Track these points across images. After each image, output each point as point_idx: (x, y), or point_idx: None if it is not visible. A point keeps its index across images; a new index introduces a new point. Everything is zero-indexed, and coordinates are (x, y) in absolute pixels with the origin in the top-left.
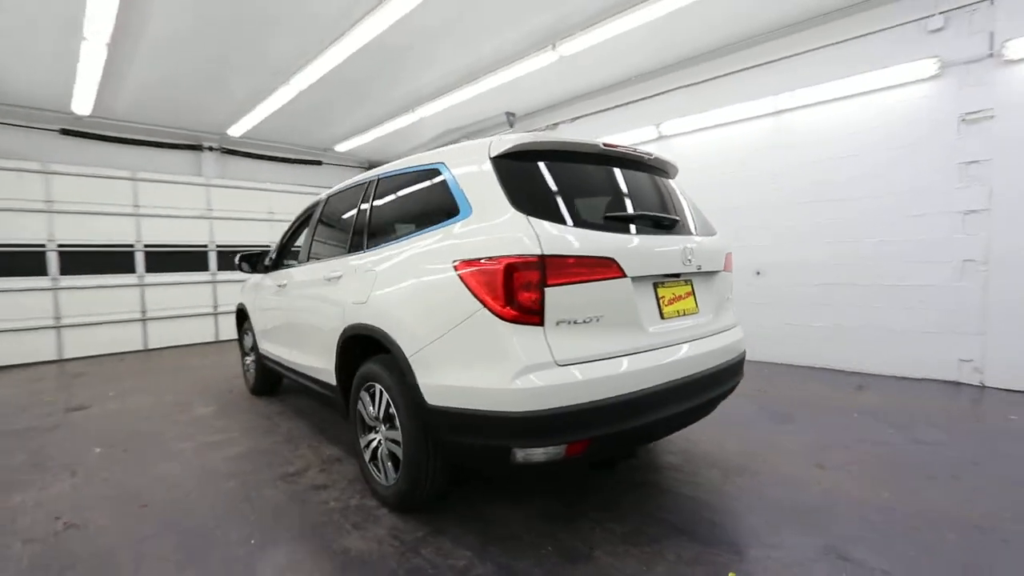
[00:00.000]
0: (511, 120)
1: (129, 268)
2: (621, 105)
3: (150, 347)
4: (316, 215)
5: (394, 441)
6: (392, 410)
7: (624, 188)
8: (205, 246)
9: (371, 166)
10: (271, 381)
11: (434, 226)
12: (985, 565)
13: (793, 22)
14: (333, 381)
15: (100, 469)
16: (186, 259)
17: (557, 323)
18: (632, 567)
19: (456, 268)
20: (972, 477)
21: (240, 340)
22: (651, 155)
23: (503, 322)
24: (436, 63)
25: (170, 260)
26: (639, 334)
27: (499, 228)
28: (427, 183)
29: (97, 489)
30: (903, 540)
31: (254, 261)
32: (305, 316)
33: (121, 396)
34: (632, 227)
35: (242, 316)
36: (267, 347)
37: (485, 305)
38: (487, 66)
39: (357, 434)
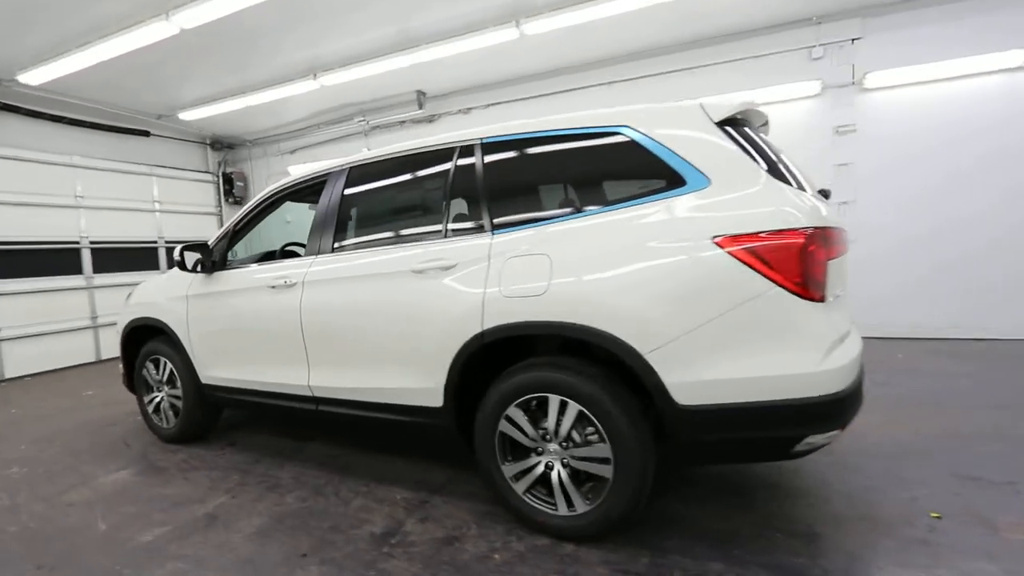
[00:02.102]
0: (421, 100)
1: None
2: (537, 96)
3: None
4: (334, 193)
5: (587, 459)
6: (589, 424)
7: (774, 155)
8: None
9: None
10: (207, 422)
11: (644, 198)
12: None
13: (713, 35)
14: (435, 403)
15: None
16: None
17: (829, 300)
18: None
19: (720, 244)
20: None
21: (131, 372)
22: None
23: (801, 300)
24: (347, 30)
25: None
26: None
27: (760, 198)
28: (596, 147)
29: None
30: None
31: (204, 256)
32: (362, 322)
33: None
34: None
35: (135, 337)
36: (225, 374)
37: (777, 283)
38: (411, 40)
39: (495, 463)
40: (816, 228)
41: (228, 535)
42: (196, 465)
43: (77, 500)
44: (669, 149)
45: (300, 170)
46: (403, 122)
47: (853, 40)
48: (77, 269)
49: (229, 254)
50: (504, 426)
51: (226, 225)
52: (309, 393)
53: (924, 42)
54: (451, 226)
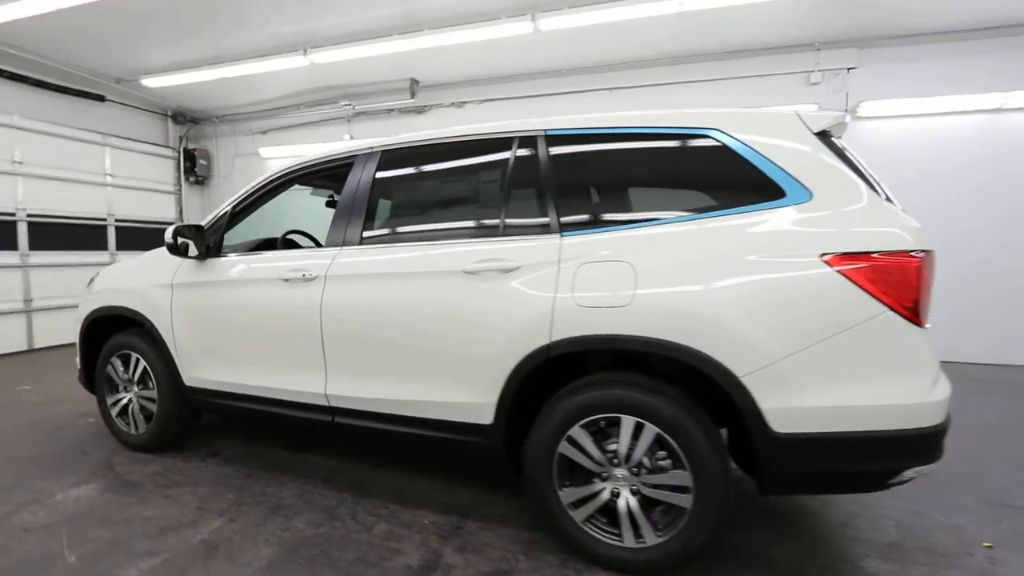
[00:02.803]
0: (414, 89)
1: None
2: (536, 96)
3: None
4: (364, 178)
5: (662, 487)
6: (661, 448)
7: (866, 171)
8: None
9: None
10: (185, 429)
11: (739, 208)
12: None
13: (718, 50)
14: (484, 420)
15: None
16: None
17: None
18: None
19: (830, 263)
20: None
21: (90, 371)
22: None
23: (911, 326)
24: (347, 7)
25: None
26: None
27: (868, 217)
28: (680, 148)
29: None
30: None
31: (197, 240)
32: (398, 326)
33: None
34: None
35: (97, 329)
36: (216, 376)
37: (889, 307)
38: (413, 24)
39: (552, 488)
40: (926, 251)
41: (235, 569)
42: (177, 480)
43: (33, 523)
44: (766, 157)
45: (271, 152)
46: (391, 110)
47: (849, 69)
48: (11, 244)
49: (225, 240)
50: (565, 448)
51: (223, 206)
52: (325, 402)
53: (914, 77)
54: (509, 222)
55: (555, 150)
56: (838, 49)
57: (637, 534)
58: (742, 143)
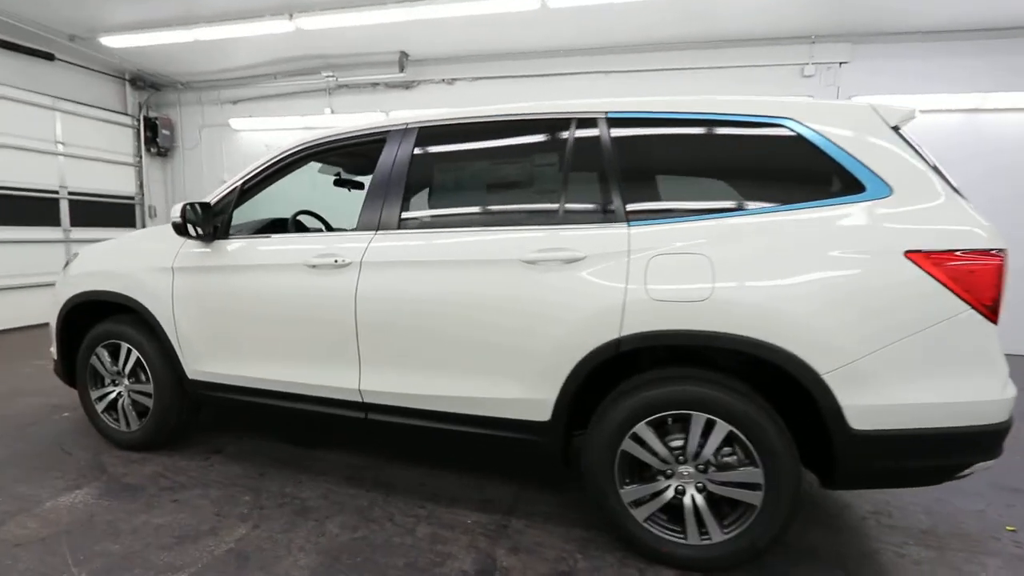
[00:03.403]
0: (403, 63)
1: None
2: (530, 76)
3: None
4: (399, 156)
5: (731, 484)
6: (728, 444)
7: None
8: None
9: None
10: (184, 425)
11: (817, 201)
12: None
13: (715, 38)
14: (540, 416)
15: None
16: None
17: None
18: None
19: (915, 260)
20: None
21: (70, 361)
22: None
23: (988, 324)
24: None
25: None
26: None
27: (949, 214)
28: (753, 137)
29: None
30: None
31: (204, 220)
32: (445, 318)
33: None
34: None
35: (77, 316)
36: (227, 369)
37: (970, 305)
38: None
39: (613, 487)
40: (1002, 249)
41: None
42: (181, 481)
43: (25, 537)
44: (844, 150)
45: (242, 124)
46: (376, 84)
47: (841, 63)
48: None
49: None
50: (629, 445)
51: (231, 181)
52: (357, 398)
53: (904, 74)
54: (569, 208)
55: (618, 133)
56: (832, 43)
57: (702, 531)
58: (819, 134)
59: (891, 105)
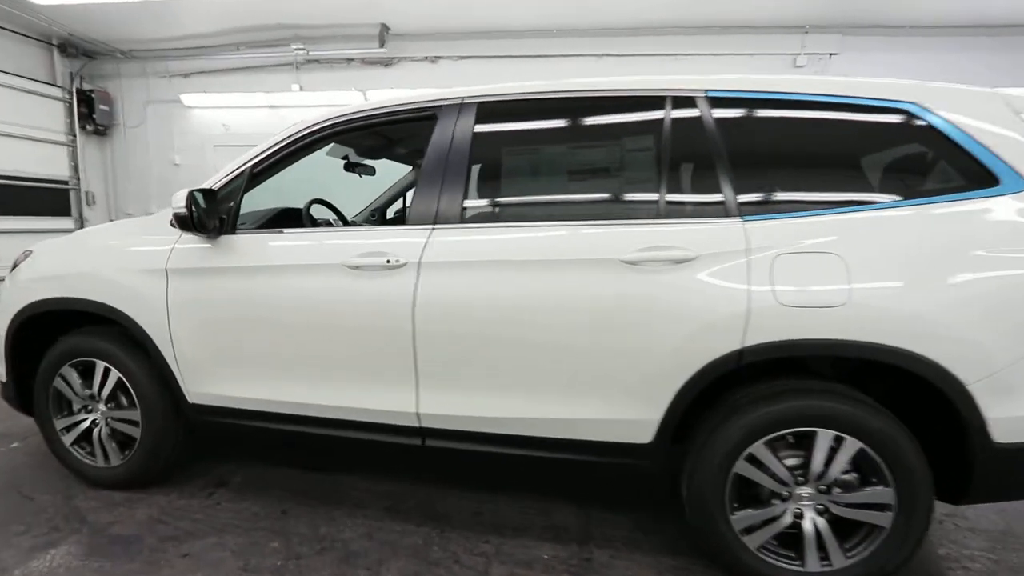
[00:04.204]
0: (383, 37)
1: None
2: (519, 56)
3: None
4: (457, 135)
5: (858, 505)
6: (850, 461)
7: None
8: None
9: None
10: (179, 456)
11: (950, 195)
12: None
13: (708, 24)
14: (641, 438)
15: None
16: None
17: None
18: None
19: None
20: None
21: (23, 384)
22: None
23: None
24: None
25: None
26: None
27: None
28: (875, 123)
29: None
30: None
31: (207, 211)
32: (529, 328)
33: None
34: None
35: (30, 330)
36: (243, 391)
37: None
38: None
39: (723, 513)
40: None
41: None
42: (187, 528)
43: None
44: (975, 139)
45: (196, 101)
46: (351, 60)
47: (831, 55)
48: None
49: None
50: (744, 468)
51: (237, 163)
52: (413, 423)
53: (891, 68)
54: (670, 199)
55: (721, 114)
56: (824, 34)
57: (822, 557)
58: (947, 122)
59: (1014, 93)
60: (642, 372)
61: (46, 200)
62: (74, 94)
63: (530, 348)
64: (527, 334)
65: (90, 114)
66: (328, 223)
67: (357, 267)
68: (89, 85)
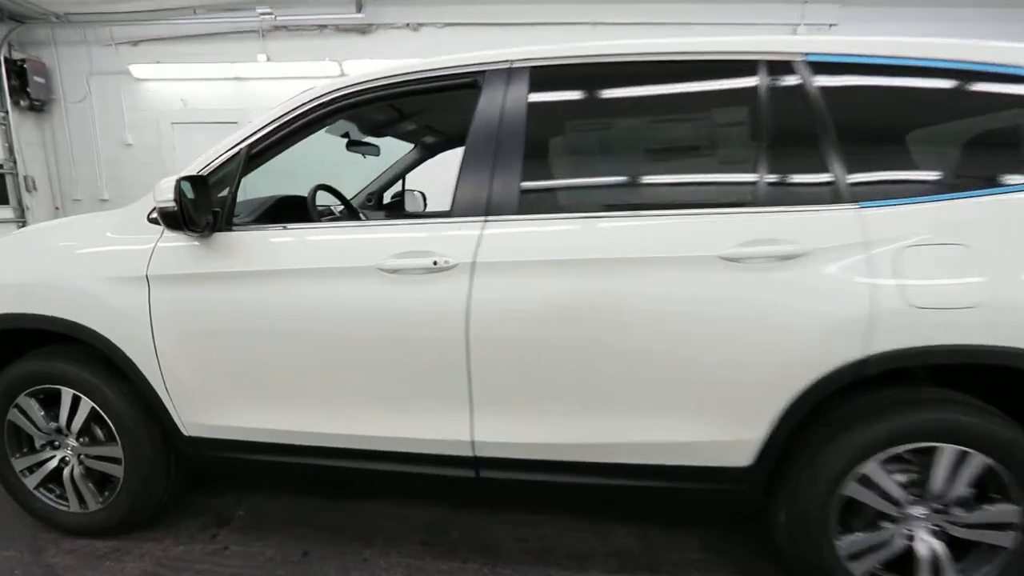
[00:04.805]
0: (360, 1)
1: None
2: (508, 24)
3: None
4: (508, 107)
5: (991, 525)
6: (1000, 481)
7: None
8: None
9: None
10: (171, 496)
11: None
12: None
13: None
14: (738, 461)
15: None
16: None
17: None
18: None
19: None
20: None
21: None
22: None
23: None
24: None
25: None
26: None
27: None
28: (997, 94)
29: None
30: None
31: (196, 205)
32: (608, 339)
33: None
34: None
35: None
36: (254, 421)
37: None
38: None
39: (828, 540)
40: None
41: None
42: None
43: None
44: None
45: (147, 72)
46: (324, 26)
47: (830, 26)
48: None
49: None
50: (855, 490)
51: (229, 142)
52: (466, 452)
53: None
54: (769, 181)
55: (825, 82)
56: (822, 3)
57: None
58: None
59: None
60: (743, 387)
61: None
62: (2, 64)
63: (608, 364)
64: (604, 348)
65: (23, 87)
66: (332, 213)
67: (395, 270)
68: (20, 54)
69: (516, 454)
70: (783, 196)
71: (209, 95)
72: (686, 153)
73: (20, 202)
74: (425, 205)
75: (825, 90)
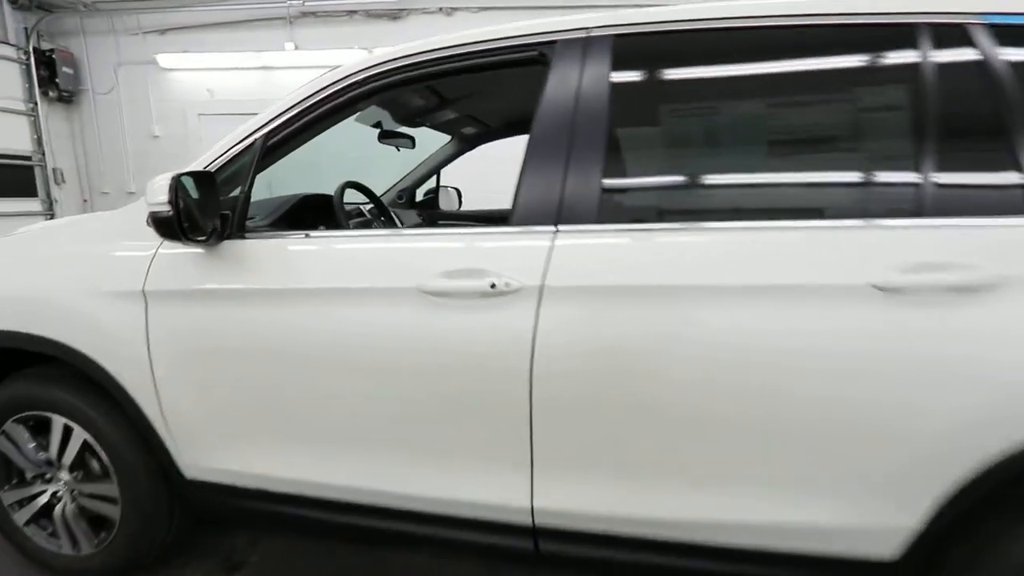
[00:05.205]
0: None
1: None
2: (545, 8)
3: None
4: (585, 87)
5: None
6: None
7: None
8: None
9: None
10: (174, 539)
11: None
12: None
13: None
14: (881, 551)
15: None
16: None
17: None
18: None
19: None
20: None
21: None
22: None
23: None
24: None
25: None
26: None
27: None
28: None
29: None
30: None
31: (203, 208)
32: (733, 388)
33: None
34: None
35: None
36: (272, 467)
37: None
38: None
39: None
40: None
41: None
42: None
43: None
44: None
45: (175, 62)
46: (353, 12)
47: None
48: None
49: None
50: None
51: (243, 131)
52: (524, 520)
53: None
54: (938, 183)
55: (1012, 55)
56: None
57: None
58: None
59: None
60: (897, 458)
61: (6, 178)
62: (32, 54)
63: (714, 421)
64: (710, 400)
65: (52, 78)
66: (361, 213)
67: (442, 293)
68: (49, 44)
69: (586, 526)
70: (956, 204)
71: (235, 85)
72: (820, 146)
73: (48, 195)
74: (460, 204)
75: (1012, 65)
